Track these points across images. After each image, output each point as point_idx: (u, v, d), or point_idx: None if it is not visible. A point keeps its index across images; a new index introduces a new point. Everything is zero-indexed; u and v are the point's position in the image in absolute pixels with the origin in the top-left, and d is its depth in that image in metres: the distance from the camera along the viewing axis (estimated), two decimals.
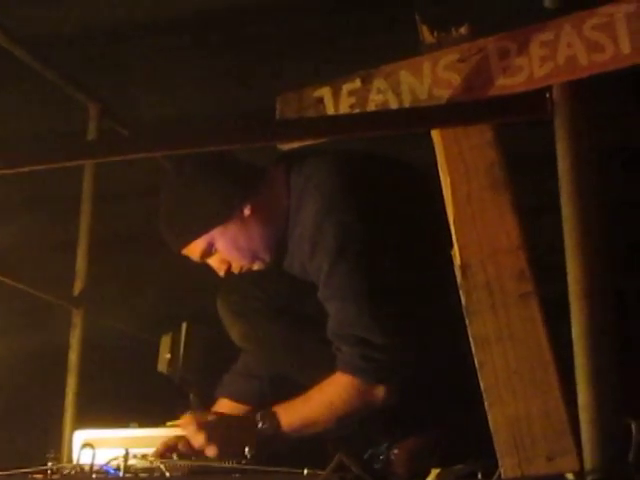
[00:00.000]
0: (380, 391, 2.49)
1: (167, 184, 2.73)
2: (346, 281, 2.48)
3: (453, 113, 1.99)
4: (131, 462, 2.48)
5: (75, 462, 2.61)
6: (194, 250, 2.69)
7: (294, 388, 2.61)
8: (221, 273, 2.74)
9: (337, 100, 2.07)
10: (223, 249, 2.68)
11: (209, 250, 2.68)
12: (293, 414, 2.56)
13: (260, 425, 2.56)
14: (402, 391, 2.49)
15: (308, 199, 2.57)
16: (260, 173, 2.70)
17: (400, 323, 2.46)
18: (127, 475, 2.42)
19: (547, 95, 1.88)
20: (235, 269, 2.72)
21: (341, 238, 2.48)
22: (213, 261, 2.72)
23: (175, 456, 2.61)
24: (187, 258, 2.73)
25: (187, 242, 2.68)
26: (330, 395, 2.52)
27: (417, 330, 2.46)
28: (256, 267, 2.72)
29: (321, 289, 2.54)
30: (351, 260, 2.48)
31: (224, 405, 2.86)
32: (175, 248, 2.71)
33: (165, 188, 2.73)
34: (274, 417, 2.56)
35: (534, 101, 1.89)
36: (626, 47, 1.83)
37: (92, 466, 2.48)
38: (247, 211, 2.64)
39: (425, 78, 2.01)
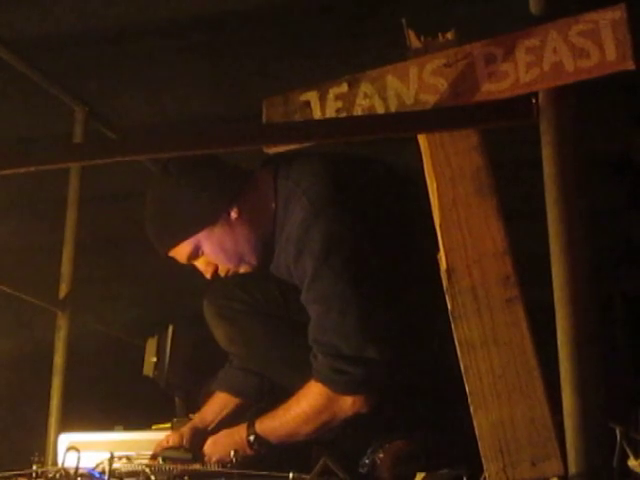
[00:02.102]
0: (350, 402, 2.50)
1: (153, 186, 2.72)
2: (329, 287, 2.49)
3: (439, 118, 1.99)
4: (116, 465, 2.48)
5: (60, 465, 2.60)
6: (180, 253, 2.69)
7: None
8: (208, 276, 2.74)
9: (323, 104, 2.07)
10: (210, 252, 2.67)
11: (196, 253, 2.68)
12: (275, 426, 2.60)
13: (249, 438, 2.59)
14: (386, 396, 2.49)
15: (295, 204, 2.57)
16: (247, 176, 2.70)
17: (382, 333, 2.46)
18: (112, 479, 2.41)
19: (533, 101, 1.88)
20: (222, 272, 2.72)
21: (327, 244, 2.48)
22: (200, 264, 2.72)
23: (161, 460, 2.62)
24: (174, 260, 2.73)
25: (173, 245, 2.68)
26: (304, 405, 2.54)
27: (401, 337, 2.47)
28: (243, 270, 2.72)
29: (304, 293, 2.54)
30: (335, 266, 2.48)
31: (220, 399, 2.86)
32: (161, 250, 2.70)
33: (151, 190, 2.72)
34: (258, 431, 2.60)
35: (520, 106, 1.90)
36: (611, 53, 1.84)
37: (77, 469, 2.47)
38: (234, 214, 2.64)
39: (411, 83, 2.01)
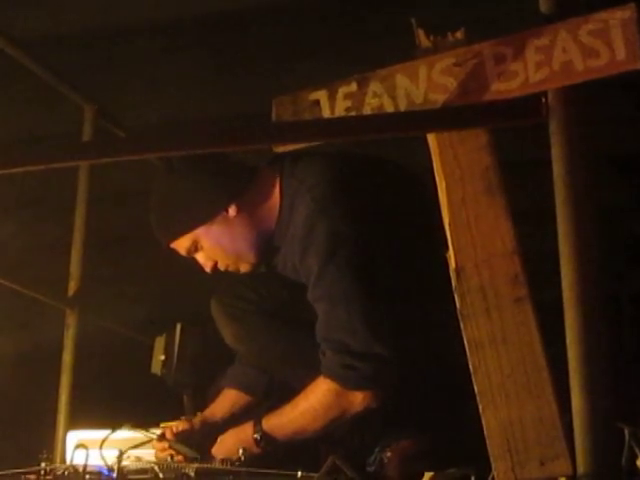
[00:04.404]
0: (360, 397, 2.50)
1: (158, 180, 2.76)
2: (335, 284, 2.50)
3: (448, 117, 1.99)
4: (124, 463, 2.49)
5: (68, 463, 2.61)
6: (180, 246, 2.74)
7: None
8: (207, 269, 2.76)
9: (333, 103, 2.07)
10: (207, 247, 2.71)
11: (194, 247, 2.72)
12: (282, 424, 2.60)
13: (256, 436, 2.59)
14: (393, 395, 2.49)
15: (300, 201, 2.58)
16: (250, 174, 2.72)
17: (388, 330, 2.47)
18: (120, 476, 2.42)
19: (542, 100, 1.88)
20: (221, 267, 2.74)
21: (332, 241, 2.49)
22: (199, 257, 2.76)
23: (169, 458, 2.62)
24: (181, 259, 2.76)
25: (172, 239, 2.73)
26: (313, 402, 2.55)
27: (408, 335, 2.47)
28: (243, 269, 2.74)
29: (310, 290, 2.55)
30: (341, 263, 2.49)
31: (230, 395, 2.87)
32: (162, 243, 2.75)
33: (156, 184, 2.76)
34: (265, 429, 2.60)
35: (529, 106, 1.89)
36: (621, 53, 1.84)
37: (85, 467, 2.48)
38: (232, 212, 2.66)
39: (421, 82, 2.01)
